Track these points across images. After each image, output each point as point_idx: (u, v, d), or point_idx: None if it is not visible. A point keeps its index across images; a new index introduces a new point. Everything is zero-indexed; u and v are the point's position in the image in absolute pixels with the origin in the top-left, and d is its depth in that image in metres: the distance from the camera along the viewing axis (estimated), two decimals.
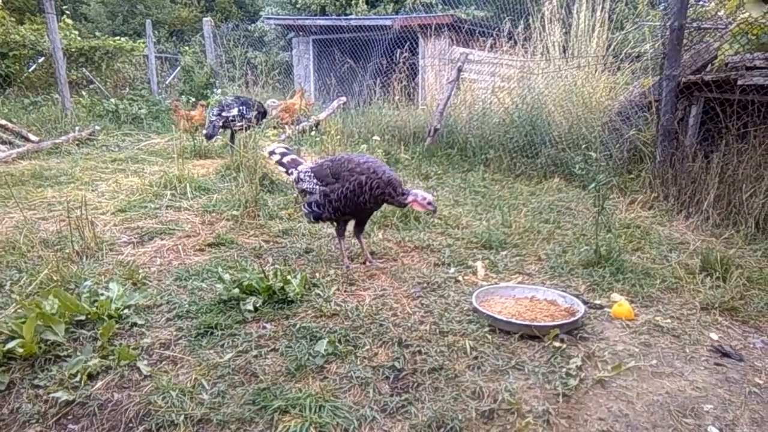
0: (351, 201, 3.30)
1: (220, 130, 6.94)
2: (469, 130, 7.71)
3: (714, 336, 2.64)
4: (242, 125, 6.65)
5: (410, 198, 3.29)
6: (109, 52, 13.40)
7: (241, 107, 6.90)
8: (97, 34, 14.72)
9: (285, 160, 3.77)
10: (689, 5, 5.01)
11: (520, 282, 3.28)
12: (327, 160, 3.56)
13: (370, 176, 3.25)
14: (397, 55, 10.05)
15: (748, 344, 2.59)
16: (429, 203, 3.28)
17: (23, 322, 2.41)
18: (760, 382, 2.26)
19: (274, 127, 8.75)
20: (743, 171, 4.41)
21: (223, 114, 6.84)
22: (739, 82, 4.58)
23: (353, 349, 2.45)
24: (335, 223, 3.54)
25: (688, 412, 2.05)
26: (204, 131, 7.20)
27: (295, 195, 4.82)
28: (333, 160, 3.52)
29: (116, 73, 14.22)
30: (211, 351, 2.46)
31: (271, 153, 3.87)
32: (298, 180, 3.61)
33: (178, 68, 15.52)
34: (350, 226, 3.63)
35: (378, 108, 9.66)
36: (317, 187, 3.44)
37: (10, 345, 2.37)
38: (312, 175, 3.51)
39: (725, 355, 2.46)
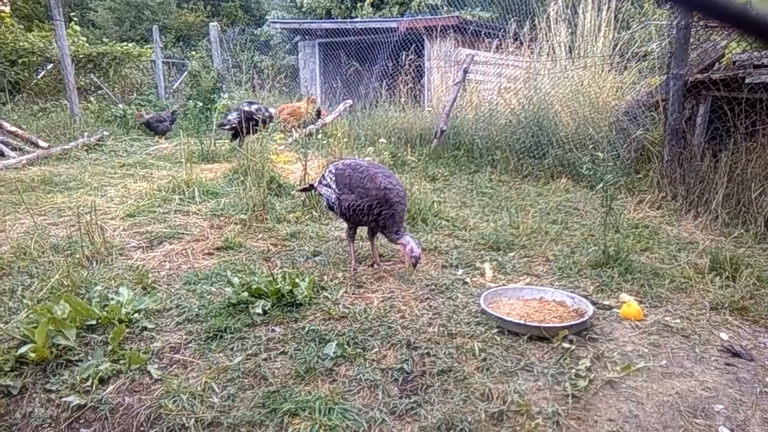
0: (357, 214, 3.33)
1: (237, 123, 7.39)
2: (476, 131, 7.71)
3: (724, 336, 2.62)
4: (258, 125, 7.06)
5: (402, 241, 3.25)
6: (117, 57, 13.51)
7: (260, 105, 7.73)
8: (105, 40, 14.85)
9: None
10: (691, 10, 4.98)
11: (529, 283, 3.27)
12: (349, 168, 3.47)
13: (382, 204, 3.22)
14: (403, 58, 10.06)
15: (759, 344, 2.57)
16: (413, 256, 3.18)
17: (35, 327, 2.43)
18: None
19: (281, 131, 8.79)
20: (752, 169, 4.38)
21: (245, 108, 7.52)
22: (747, 81, 4.56)
23: (362, 352, 2.45)
24: (346, 224, 3.56)
25: (698, 412, 2.04)
26: (219, 121, 7.82)
27: (302, 198, 4.84)
28: (355, 168, 3.43)
29: (124, 79, 14.33)
30: (221, 354, 2.47)
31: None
32: (322, 178, 3.65)
33: (185, 73, 15.61)
34: (362, 230, 3.64)
35: (384, 110, 9.67)
36: (333, 195, 3.47)
37: (22, 350, 2.39)
38: (334, 179, 3.50)
39: (736, 354, 2.44)
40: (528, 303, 2.91)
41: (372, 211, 3.25)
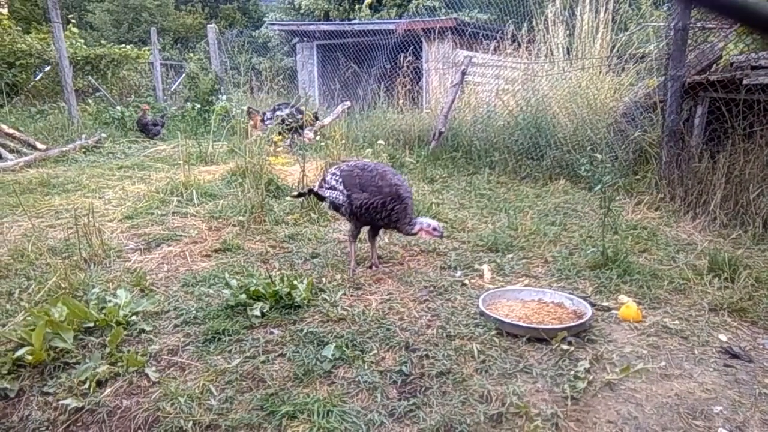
0: (370, 212, 3.35)
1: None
2: (474, 133, 7.71)
3: (723, 337, 2.62)
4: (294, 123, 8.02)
5: (417, 227, 3.32)
6: (115, 59, 13.49)
7: (291, 109, 8.55)
8: (103, 42, 14.82)
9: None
10: (693, 5, 4.99)
11: (527, 285, 3.27)
12: (357, 168, 3.51)
13: (395, 199, 3.28)
14: (401, 59, 10.07)
15: (758, 345, 2.57)
16: (435, 229, 3.29)
17: (32, 330, 2.42)
18: None
19: (279, 134, 8.79)
20: (750, 171, 4.38)
21: (277, 114, 8.38)
22: (745, 82, 4.56)
23: (360, 354, 2.45)
24: (351, 225, 3.57)
25: (697, 414, 2.04)
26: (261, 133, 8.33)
27: (300, 200, 4.83)
28: (363, 169, 3.48)
29: (122, 81, 14.32)
30: (219, 357, 2.46)
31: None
32: (323, 182, 3.65)
33: (183, 75, 15.60)
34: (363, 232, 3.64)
35: (382, 112, 9.67)
36: (341, 196, 3.47)
37: (19, 352, 2.38)
38: (341, 180, 3.50)
39: (734, 356, 2.44)
40: (527, 304, 2.91)
41: (386, 207, 3.29)
